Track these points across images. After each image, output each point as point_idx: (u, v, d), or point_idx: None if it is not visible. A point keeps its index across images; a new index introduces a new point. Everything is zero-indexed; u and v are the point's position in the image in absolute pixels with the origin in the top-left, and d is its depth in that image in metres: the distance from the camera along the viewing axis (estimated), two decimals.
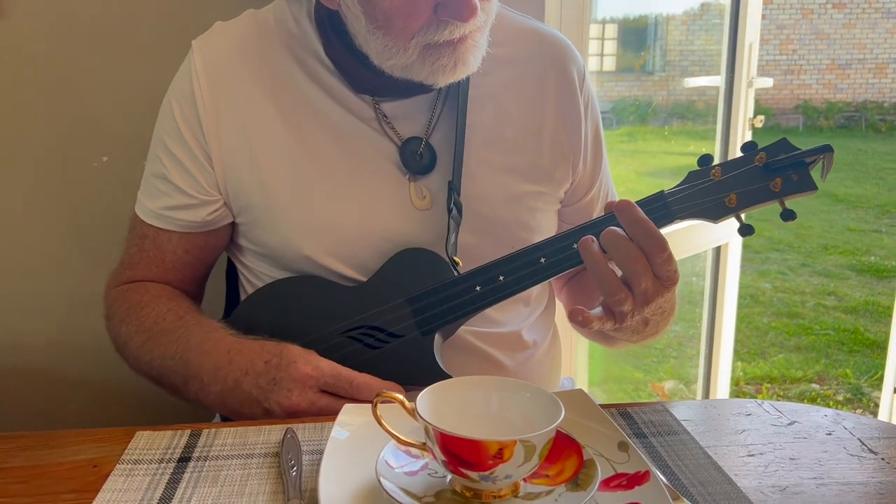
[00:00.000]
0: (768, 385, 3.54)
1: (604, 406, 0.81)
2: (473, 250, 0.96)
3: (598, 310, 0.83)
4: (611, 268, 0.80)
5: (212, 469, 0.71)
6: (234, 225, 1.01)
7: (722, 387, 2.45)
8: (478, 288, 0.88)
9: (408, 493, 0.61)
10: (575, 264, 0.86)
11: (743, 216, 0.87)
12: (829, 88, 14.35)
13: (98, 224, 1.32)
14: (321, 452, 0.72)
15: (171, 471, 0.71)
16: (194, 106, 0.94)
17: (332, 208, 0.94)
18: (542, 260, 0.87)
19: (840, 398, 3.45)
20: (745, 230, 0.86)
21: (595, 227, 0.86)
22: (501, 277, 0.88)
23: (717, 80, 2.17)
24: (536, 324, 1.05)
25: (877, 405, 3.38)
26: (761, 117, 2.15)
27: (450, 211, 0.93)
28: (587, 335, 1.10)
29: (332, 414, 0.83)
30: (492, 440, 0.57)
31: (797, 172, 0.85)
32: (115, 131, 1.32)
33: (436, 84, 0.91)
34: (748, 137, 2.16)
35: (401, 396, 0.64)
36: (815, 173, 0.86)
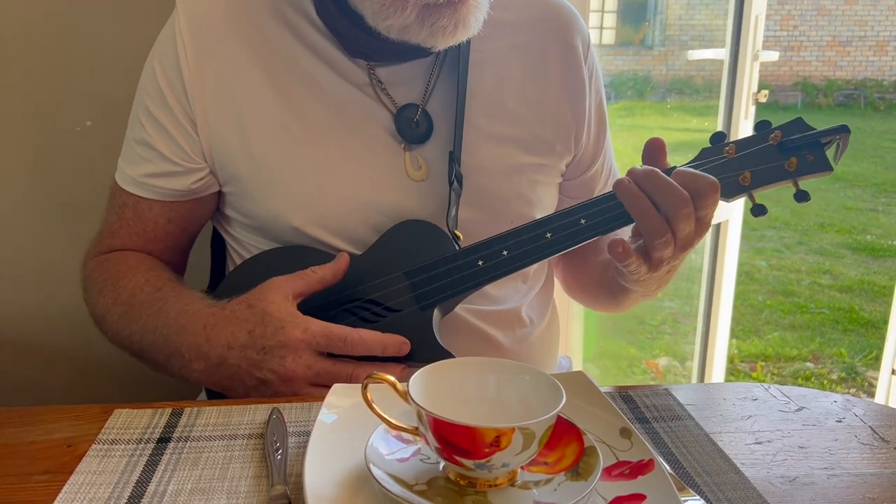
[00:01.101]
0: (763, 363, 3.53)
1: (604, 388, 0.77)
2: (470, 225, 0.92)
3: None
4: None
5: (193, 451, 0.67)
6: (220, 194, 0.97)
7: (718, 365, 2.43)
8: (480, 262, 0.85)
9: (398, 480, 0.57)
10: (582, 240, 0.83)
11: (755, 195, 0.84)
12: (829, 66, 14.25)
13: (81, 191, 1.27)
14: (308, 434, 0.68)
15: (150, 452, 0.67)
16: (178, 68, 0.90)
17: (323, 178, 0.89)
18: (549, 235, 0.84)
19: (834, 377, 3.44)
20: (758, 210, 0.84)
21: (603, 202, 0.83)
22: (505, 252, 0.84)
23: (722, 53, 2.12)
24: (535, 301, 1.02)
25: (871, 385, 3.37)
26: (765, 92, 2.10)
27: (451, 183, 0.89)
28: (598, 295, 1.08)
29: (330, 376, 0.79)
30: (489, 427, 0.54)
31: (812, 153, 0.82)
32: (99, 94, 1.26)
33: (434, 47, 0.86)
34: (752, 112, 2.11)
35: (392, 378, 0.60)
36: (828, 154, 0.83)
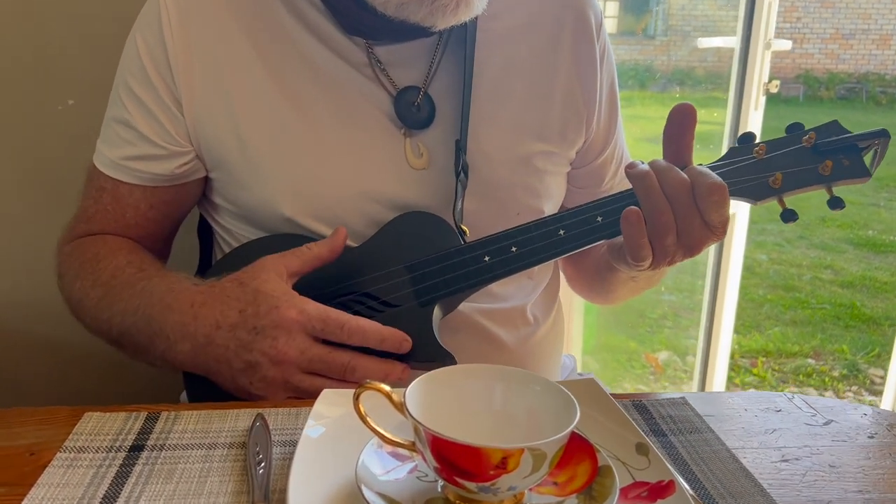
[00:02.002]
0: (763, 359, 3.48)
1: (615, 396, 0.72)
2: (473, 216, 0.86)
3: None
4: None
5: (168, 461, 0.61)
6: (207, 179, 0.90)
7: (721, 360, 2.38)
8: (486, 258, 0.79)
9: (392, 502, 0.52)
10: (597, 240, 0.77)
11: (785, 199, 0.79)
12: (832, 58, 14.17)
13: (62, 173, 1.21)
14: (295, 444, 0.62)
15: (121, 462, 0.61)
16: (163, 43, 0.83)
17: (316, 165, 0.83)
18: (561, 232, 0.78)
19: (836, 374, 3.39)
20: (789, 215, 0.78)
21: (622, 200, 0.78)
22: (514, 248, 0.78)
23: (732, 42, 2.06)
24: (540, 299, 0.96)
25: (874, 382, 3.32)
26: (776, 82, 2.04)
27: (458, 174, 0.83)
28: (591, 283, 1.04)
29: (324, 364, 0.73)
30: (495, 447, 0.48)
31: (849, 157, 0.77)
32: (82, 71, 1.20)
33: (434, 26, 0.80)
34: (762, 103, 2.05)
35: (387, 388, 0.54)
36: (865, 160, 0.78)
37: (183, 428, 0.66)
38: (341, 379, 0.74)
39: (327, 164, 0.83)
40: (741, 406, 0.74)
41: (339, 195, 0.83)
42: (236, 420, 0.68)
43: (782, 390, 3.26)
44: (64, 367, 1.29)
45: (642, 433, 0.61)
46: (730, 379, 3.22)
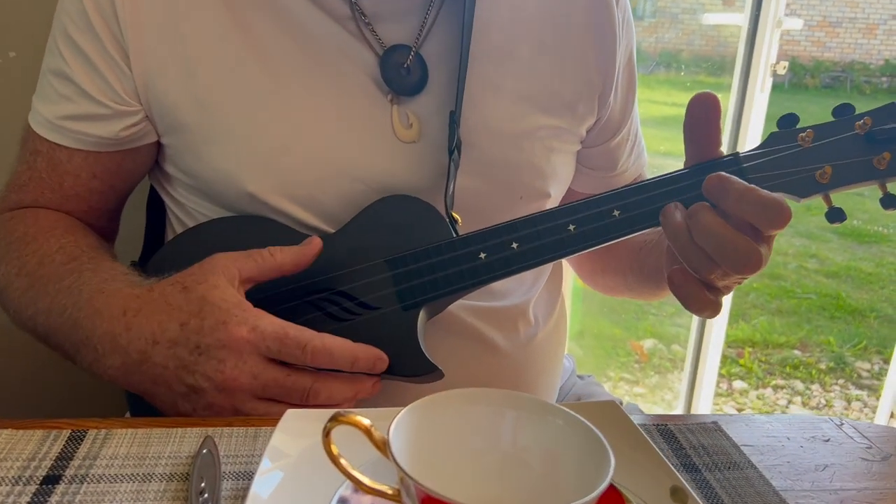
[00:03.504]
0: (750, 349, 3.40)
1: (635, 417, 0.60)
2: (469, 198, 0.75)
3: None
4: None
5: (89, 497, 0.49)
6: (159, 145, 0.77)
7: (713, 350, 2.30)
8: (482, 255, 0.67)
9: None
10: (612, 238, 0.66)
11: (832, 197, 0.67)
12: (818, 46, 14.13)
13: (3, 134, 1.07)
14: (249, 477, 0.51)
15: (28, 500, 0.49)
16: None
17: (287, 133, 0.70)
18: (571, 228, 0.66)
19: (823, 367, 3.33)
20: (836, 215, 0.66)
21: (644, 191, 0.66)
22: (515, 245, 0.66)
23: (739, 19, 1.94)
24: (542, 296, 0.84)
25: (860, 376, 3.26)
26: (784, 63, 1.93)
27: (451, 152, 0.71)
28: (632, 285, 0.92)
29: (281, 390, 0.61)
30: None
31: None
32: (24, 21, 1.06)
33: None
34: (768, 85, 1.94)
35: (366, 422, 0.42)
36: None
37: (113, 452, 0.54)
38: (302, 404, 0.62)
39: (299, 132, 0.70)
40: (783, 433, 0.62)
41: (313, 169, 0.71)
42: (180, 442, 0.55)
43: (769, 383, 3.20)
44: None
45: (678, 475, 0.49)
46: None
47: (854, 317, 4.00)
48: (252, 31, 0.71)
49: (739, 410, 2.89)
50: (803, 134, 0.67)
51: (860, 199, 6.23)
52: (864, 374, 3.30)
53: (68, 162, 0.75)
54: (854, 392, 3.13)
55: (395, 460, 0.39)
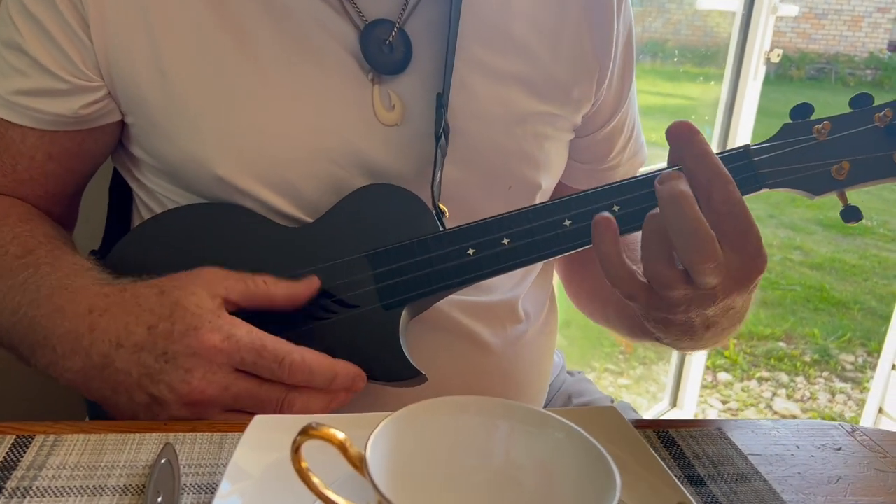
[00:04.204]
0: (735, 341, 3.38)
1: (633, 423, 0.56)
2: (455, 186, 0.70)
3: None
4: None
5: None
6: (123, 125, 0.72)
7: None
8: (471, 252, 0.62)
9: None
10: None
11: (847, 195, 0.63)
12: (803, 38, 14.17)
13: None
14: (213, 490, 0.46)
15: None
16: None
17: (260, 113, 0.65)
18: (567, 223, 0.61)
19: (807, 359, 3.32)
20: (851, 214, 0.63)
21: (647, 185, 0.61)
22: (506, 241, 0.62)
23: (734, 4, 1.90)
24: (532, 290, 0.79)
25: (844, 369, 3.25)
26: (778, 51, 1.89)
27: (437, 138, 0.66)
28: (612, 319, 0.85)
29: (253, 402, 0.57)
30: None
31: None
32: None
33: None
34: (761, 73, 1.90)
35: (340, 435, 0.37)
36: None
37: (62, 461, 0.49)
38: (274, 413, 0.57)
39: (273, 111, 0.65)
40: (791, 441, 0.58)
41: (287, 152, 0.65)
42: (137, 450, 0.50)
43: (754, 375, 3.18)
44: None
45: (685, 491, 0.45)
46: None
47: (838, 309, 4.00)
48: (222, 2, 0.66)
49: (724, 402, 2.88)
50: (819, 126, 0.62)
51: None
52: (849, 366, 3.29)
53: (22, 142, 0.70)
54: (838, 385, 3.13)
55: (372, 481, 0.35)
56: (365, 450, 0.36)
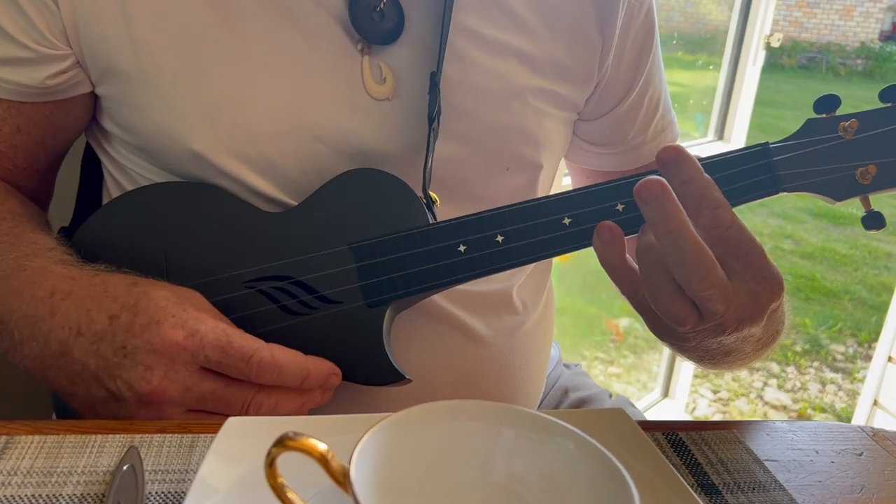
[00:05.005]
0: None
1: (641, 424, 0.51)
2: (449, 166, 0.65)
3: None
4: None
5: None
6: (95, 97, 0.66)
7: None
8: (462, 248, 0.57)
9: None
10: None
11: (870, 199, 0.58)
12: (795, 26, 14.15)
13: None
14: (180, 500, 0.41)
15: None
16: None
17: (239, 85, 0.60)
18: (567, 221, 0.57)
19: (798, 349, 3.30)
20: (875, 221, 0.57)
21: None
22: (500, 238, 0.57)
23: None
24: (530, 279, 0.75)
25: (835, 359, 3.24)
26: (778, 35, 1.84)
27: (431, 120, 0.61)
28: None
29: (219, 403, 0.52)
30: None
31: None
32: None
33: None
34: (761, 58, 1.85)
35: (320, 446, 0.33)
36: None
37: (13, 467, 0.44)
38: (241, 415, 0.52)
39: (253, 82, 0.60)
40: (809, 445, 0.54)
41: (267, 126, 0.60)
42: (99, 454, 0.46)
43: None
44: None
45: (700, 502, 0.41)
46: None
47: (829, 298, 3.99)
48: None
49: (715, 392, 2.85)
50: (846, 123, 0.57)
51: None
52: (839, 356, 3.28)
53: None
54: (829, 375, 3.11)
55: (356, 500, 0.30)
56: (349, 463, 0.32)
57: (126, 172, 0.67)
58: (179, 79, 0.60)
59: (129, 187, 0.67)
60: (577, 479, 0.34)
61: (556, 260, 0.88)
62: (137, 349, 0.50)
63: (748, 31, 1.81)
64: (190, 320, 0.51)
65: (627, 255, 0.51)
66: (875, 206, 0.58)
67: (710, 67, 2.05)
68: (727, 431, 0.54)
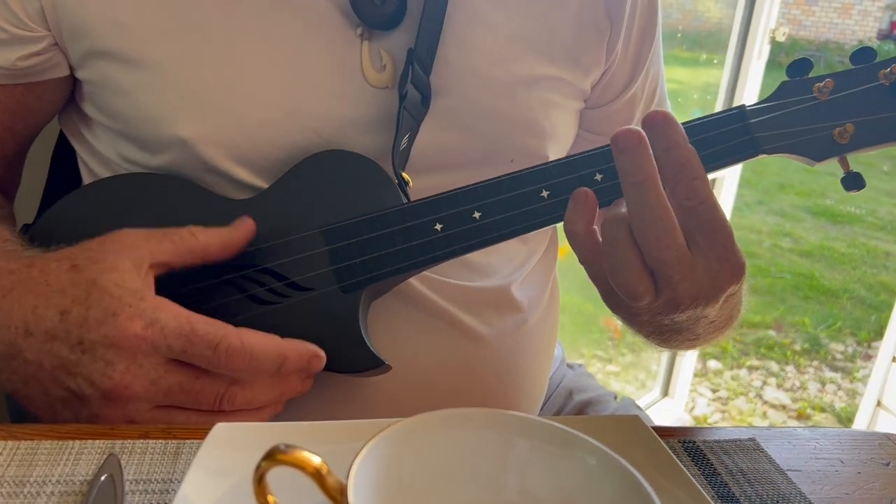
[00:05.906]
0: None
1: (655, 430, 0.48)
2: (452, 156, 0.62)
3: None
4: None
5: None
6: (75, 81, 0.63)
7: None
8: (438, 227, 0.55)
9: None
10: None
11: (849, 159, 0.57)
12: (794, 24, 14.12)
13: None
14: None
15: None
16: None
17: (229, 68, 0.57)
18: (544, 194, 0.55)
19: (798, 348, 3.27)
20: (853, 181, 0.56)
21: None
22: (477, 214, 0.55)
23: None
24: (534, 273, 0.72)
25: (834, 358, 3.21)
26: (784, 30, 1.81)
27: (402, 95, 0.58)
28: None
29: (188, 396, 0.49)
30: None
31: None
32: None
33: None
34: (766, 53, 1.83)
35: (314, 460, 0.30)
36: None
37: None
38: (214, 410, 0.49)
39: (244, 66, 0.57)
40: (834, 455, 0.51)
41: (262, 115, 0.57)
42: (76, 462, 0.42)
43: (744, 363, 3.14)
44: None
45: None
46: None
47: (828, 297, 3.96)
48: None
49: (714, 391, 2.83)
50: (820, 84, 0.56)
51: (833, 179, 6.21)
52: (838, 355, 3.25)
53: None
54: (828, 374, 3.09)
55: None
56: (346, 478, 0.29)
57: (105, 161, 0.64)
58: (166, 63, 0.56)
59: (105, 172, 0.64)
60: (594, 494, 0.31)
61: (558, 254, 0.85)
62: (96, 344, 0.47)
63: (753, 24, 1.78)
64: (148, 309, 0.48)
65: (595, 227, 0.50)
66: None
67: (715, 63, 2.02)
68: (747, 439, 0.51)
